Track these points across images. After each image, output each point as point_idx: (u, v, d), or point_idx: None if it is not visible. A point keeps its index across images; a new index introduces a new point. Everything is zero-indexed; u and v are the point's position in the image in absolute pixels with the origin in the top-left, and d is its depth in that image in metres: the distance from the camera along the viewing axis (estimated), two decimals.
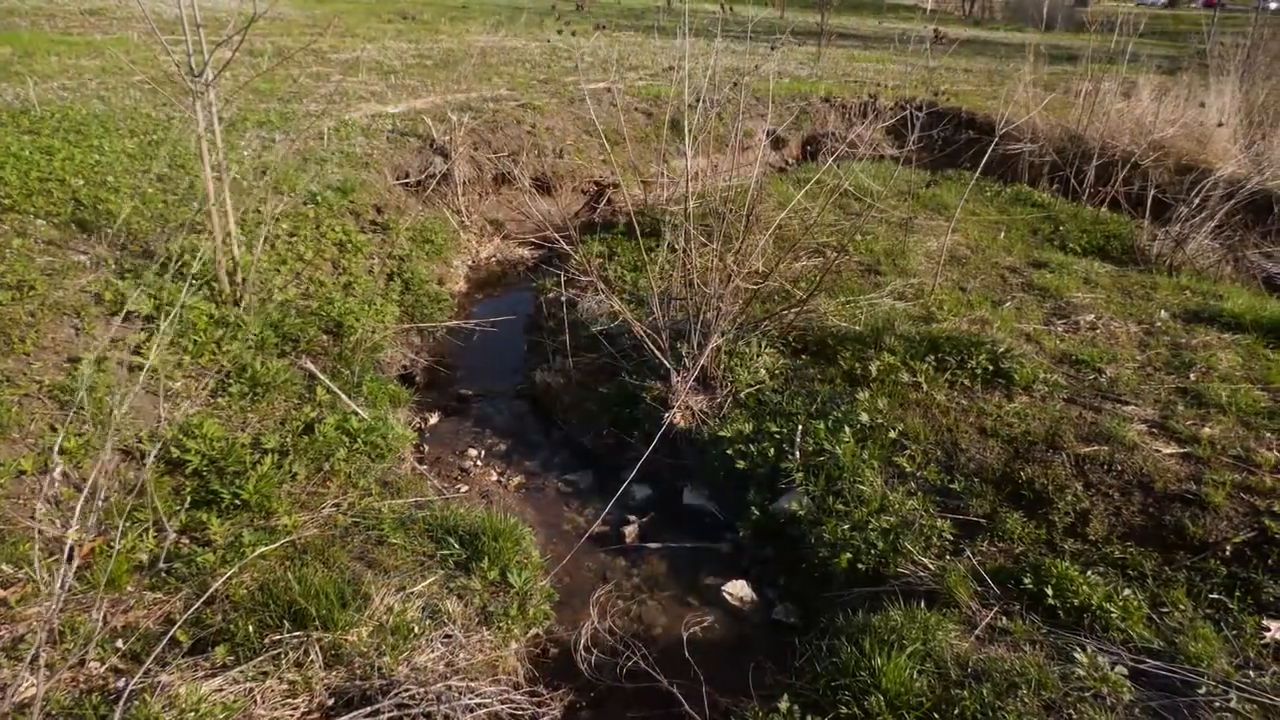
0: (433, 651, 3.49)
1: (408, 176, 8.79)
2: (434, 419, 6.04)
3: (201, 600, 3.33)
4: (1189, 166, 9.95)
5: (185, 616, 3.26)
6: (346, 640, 3.33)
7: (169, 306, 5.09)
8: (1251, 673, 3.37)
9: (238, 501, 4.04)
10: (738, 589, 4.57)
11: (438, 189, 8.96)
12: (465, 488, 5.23)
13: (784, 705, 3.29)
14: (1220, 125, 10.57)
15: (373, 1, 24.13)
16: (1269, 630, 3.61)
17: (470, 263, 8.79)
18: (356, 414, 4.92)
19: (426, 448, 5.67)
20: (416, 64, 13.62)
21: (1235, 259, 8.32)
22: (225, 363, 5.01)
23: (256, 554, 3.65)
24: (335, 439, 4.65)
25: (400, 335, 6.49)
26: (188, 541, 3.85)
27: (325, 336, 5.75)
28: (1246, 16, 20.94)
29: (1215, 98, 11.05)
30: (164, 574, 3.60)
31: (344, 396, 5.04)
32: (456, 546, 4.10)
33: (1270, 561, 3.91)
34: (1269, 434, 4.76)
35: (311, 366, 5.23)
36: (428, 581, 3.83)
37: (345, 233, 7.02)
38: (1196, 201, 8.20)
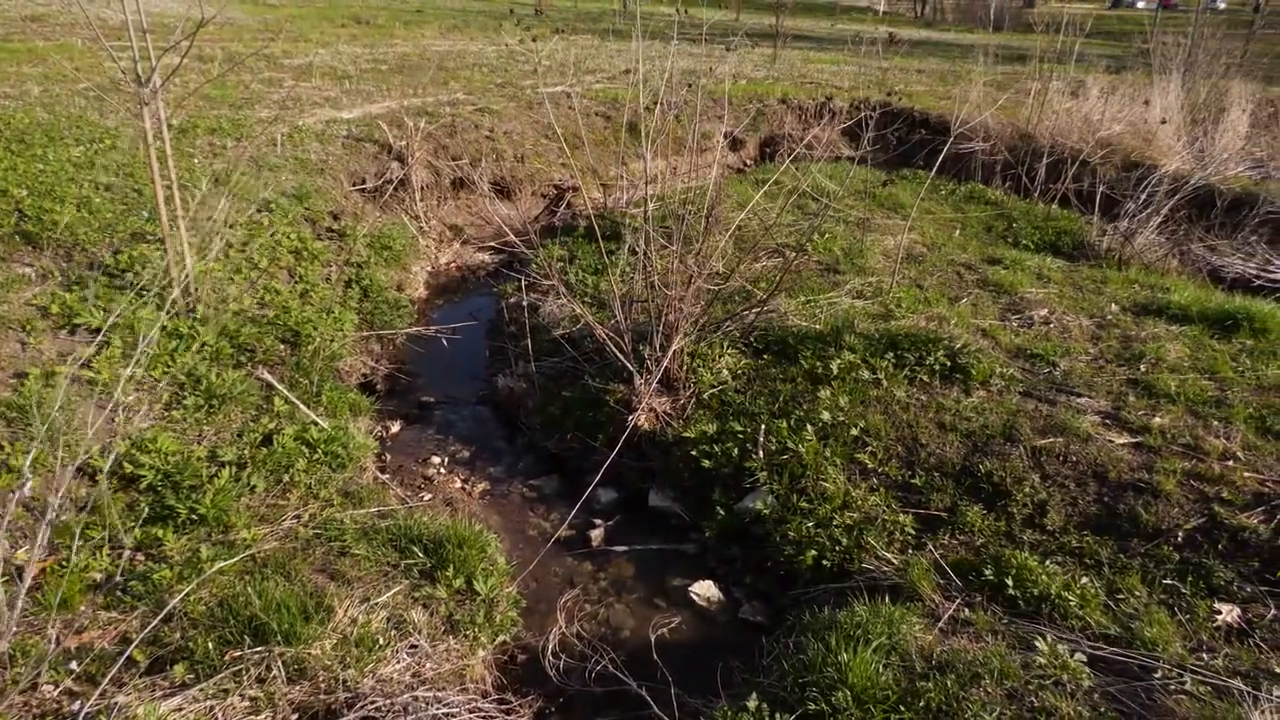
0: (398, 662, 3.45)
1: (364, 182, 8.69)
2: (396, 427, 5.97)
3: (159, 618, 3.25)
4: (1135, 163, 10.21)
5: (142, 635, 3.19)
6: (310, 654, 3.28)
7: (119, 319, 4.98)
8: (1204, 655, 3.46)
9: (195, 516, 3.96)
10: (705, 589, 4.58)
11: (395, 195, 8.87)
12: (429, 496, 5.17)
13: (752, 704, 3.30)
14: (1164, 122, 10.86)
15: (325, 6, 23.84)
16: (1220, 613, 3.71)
17: (430, 268, 8.72)
18: (316, 424, 4.85)
19: (389, 456, 5.61)
20: (371, 69, 13.49)
21: (1181, 253, 8.54)
22: (179, 375, 4.91)
23: (215, 569, 3.57)
24: (294, 450, 4.58)
25: (360, 343, 6.42)
26: (143, 558, 3.77)
27: (282, 346, 5.66)
28: (1188, 16, 21.54)
29: (1159, 96, 11.35)
30: (119, 592, 3.52)
31: (302, 406, 4.97)
32: (421, 555, 4.05)
33: (1220, 547, 4.02)
34: (1216, 422, 4.89)
35: (269, 377, 5.15)
36: (392, 592, 3.79)
37: (301, 240, 6.92)
38: (1143, 197, 8.41)
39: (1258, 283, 7.55)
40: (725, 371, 5.64)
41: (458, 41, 18.38)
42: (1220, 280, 8.06)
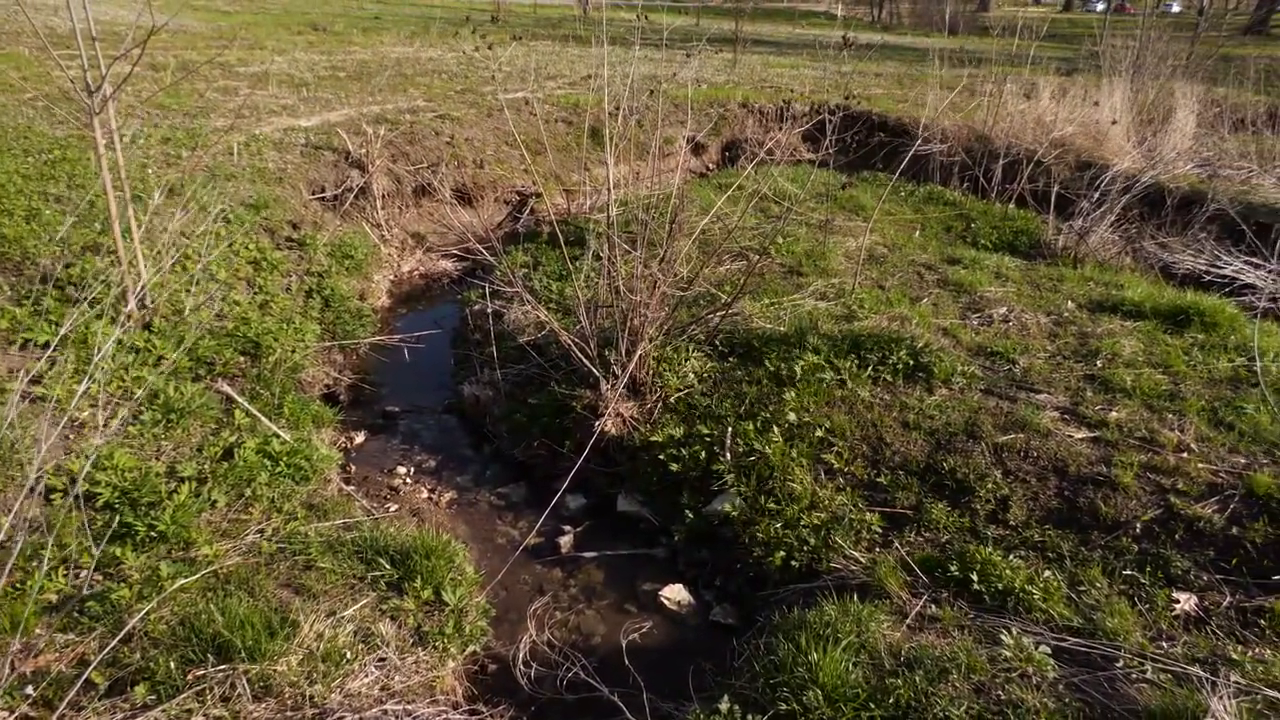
0: (366, 676, 3.40)
1: (324, 191, 8.59)
2: (360, 438, 5.90)
3: (118, 639, 3.18)
4: (1088, 163, 10.43)
5: (101, 657, 3.11)
6: (275, 670, 3.23)
7: (72, 334, 4.87)
8: (1164, 643, 3.54)
9: (154, 533, 3.87)
10: (675, 593, 4.58)
11: (356, 203, 8.78)
12: (395, 507, 5.12)
13: (724, 706, 3.31)
14: (1114, 123, 11.11)
15: (281, 13, 23.56)
16: (1179, 602, 3.80)
17: (392, 277, 8.64)
18: (278, 436, 4.77)
19: (353, 468, 5.54)
20: (329, 76, 13.34)
21: (1134, 250, 8.74)
22: (136, 390, 4.81)
23: (176, 587, 3.50)
24: (256, 463, 4.51)
25: (322, 353, 6.34)
26: (101, 578, 3.68)
27: (242, 358, 5.57)
28: (1136, 20, 22.06)
29: (1109, 97, 11.61)
30: (76, 614, 3.43)
31: (264, 419, 4.89)
32: (388, 567, 4.01)
33: (1177, 537, 4.11)
34: (1171, 415, 5.01)
35: (228, 389, 5.06)
36: (359, 605, 3.74)
37: (260, 250, 6.82)
38: (1096, 196, 8.60)
39: (1207, 278, 7.74)
40: (691, 375, 5.66)
41: (417, 48, 18.26)
42: (1172, 276, 8.25)
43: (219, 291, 6.09)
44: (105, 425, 4.48)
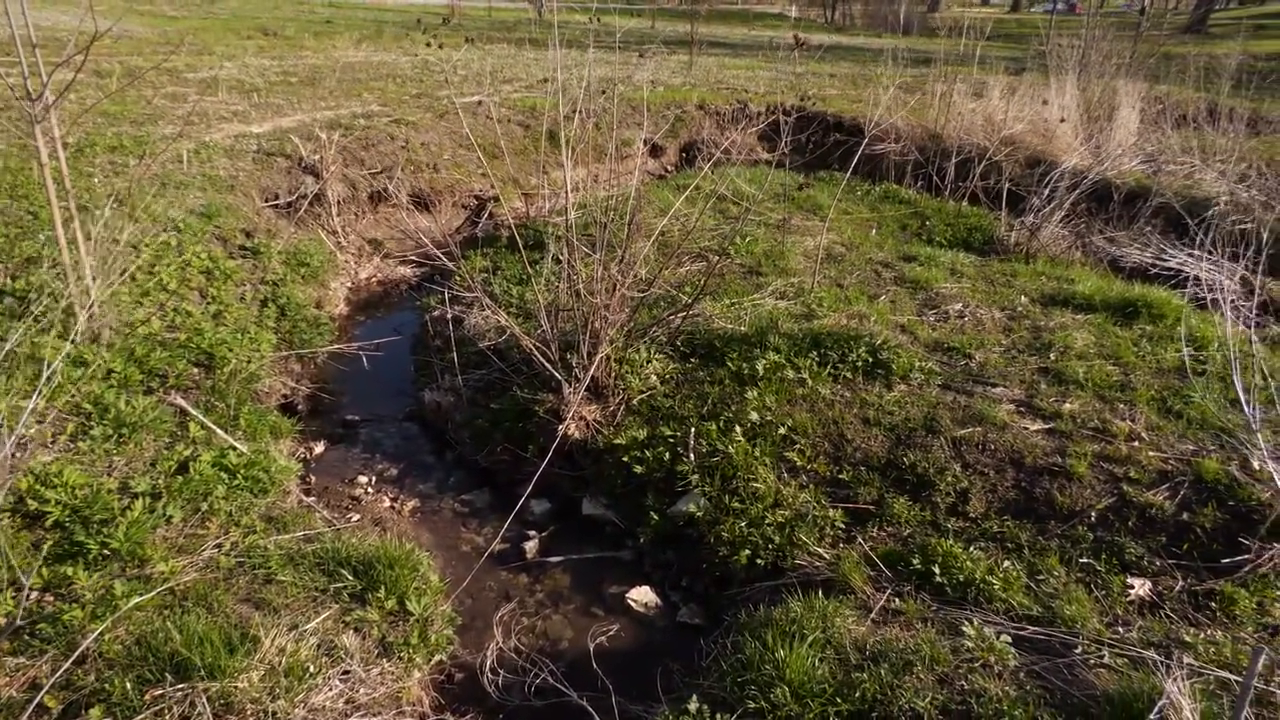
0: (330, 690, 3.35)
1: (277, 198, 8.46)
2: (320, 448, 5.82)
3: (71, 660, 3.10)
4: (1037, 160, 10.64)
5: (53, 680, 3.03)
6: (236, 687, 3.16)
7: (17, 348, 4.73)
8: (1120, 629, 3.62)
9: (107, 551, 3.77)
10: (642, 595, 4.59)
11: (310, 210, 8.66)
12: (357, 517, 5.05)
13: (693, 706, 3.32)
14: (1062, 121, 11.35)
15: (230, 18, 23.16)
16: (1134, 588, 3.89)
17: (350, 284, 8.53)
18: (235, 449, 4.69)
19: (313, 478, 5.46)
20: (281, 81, 13.15)
21: (1083, 244, 8.94)
22: (85, 404, 4.69)
23: (131, 605, 3.42)
24: (213, 476, 4.42)
25: (278, 363, 6.23)
26: (52, 599, 3.57)
27: (196, 369, 5.46)
28: (1081, 20, 22.56)
29: (1056, 95, 11.87)
30: (26, 636, 3.33)
31: (219, 431, 4.80)
32: (350, 578, 3.96)
33: (1130, 524, 4.21)
34: (1122, 405, 5.13)
35: (182, 402, 4.96)
36: (322, 617, 3.68)
37: (212, 260, 6.69)
38: (1046, 192, 8.78)
39: (1154, 271, 7.94)
40: (653, 377, 5.67)
41: (370, 52, 18.06)
42: (1120, 269, 8.45)
43: (171, 302, 5.96)
44: (52, 441, 4.37)
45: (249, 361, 5.70)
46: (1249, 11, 47.32)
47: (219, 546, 4.05)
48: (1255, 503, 4.20)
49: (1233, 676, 3.15)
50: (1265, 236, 7.42)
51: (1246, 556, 3.92)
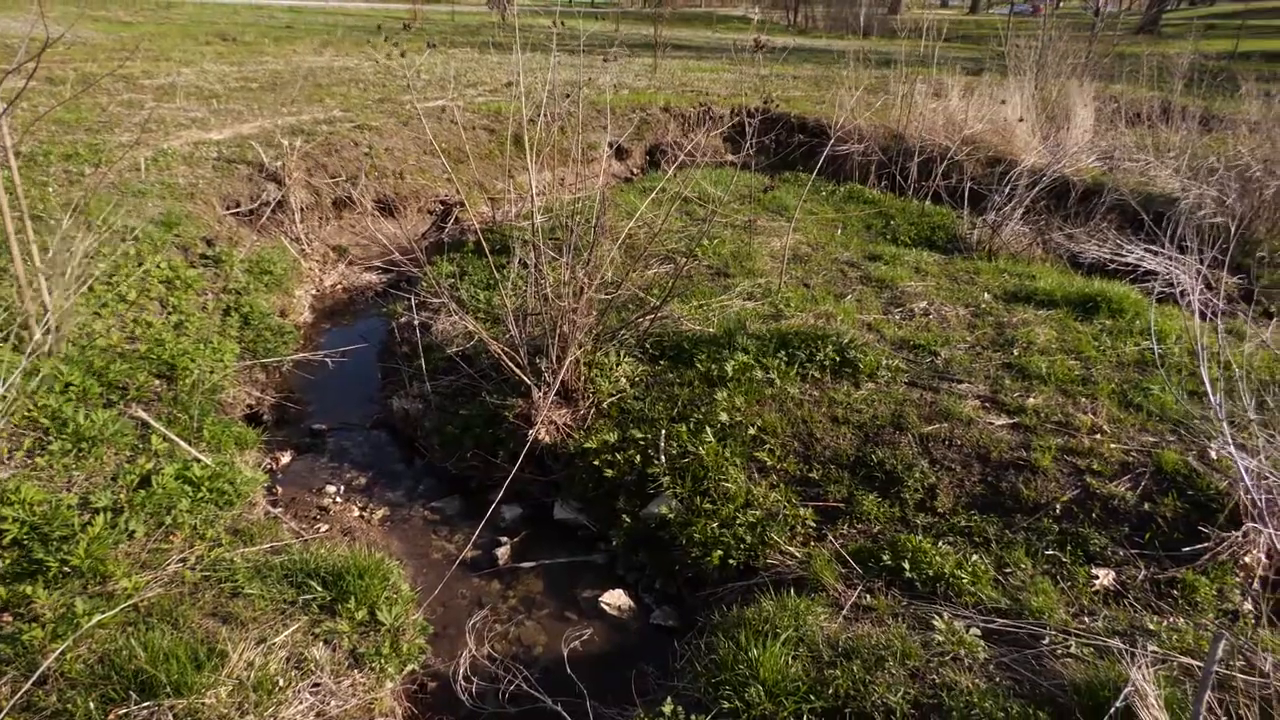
0: (301, 703, 3.31)
1: (239, 206, 8.35)
2: (286, 458, 5.74)
3: (31, 681, 3.03)
4: (998, 159, 10.81)
5: (13, 702, 2.96)
6: (204, 704, 3.11)
7: None
8: (1086, 619, 3.68)
9: (67, 569, 3.69)
10: (615, 598, 4.58)
11: (273, 217, 8.55)
12: (325, 527, 4.99)
13: (668, 708, 3.32)
14: (1021, 120, 11.54)
15: (187, 23, 22.81)
16: (1098, 578, 3.96)
17: (315, 292, 8.43)
18: (198, 461, 4.61)
19: (280, 489, 5.38)
20: (240, 87, 12.97)
21: (1044, 241, 9.08)
22: (42, 419, 4.59)
23: (93, 623, 3.35)
24: (176, 490, 4.34)
25: (242, 373, 6.14)
26: (10, 619, 3.49)
27: (158, 381, 5.37)
28: (1038, 20, 22.94)
29: (1014, 95, 12.05)
30: None
31: (182, 443, 4.71)
32: (320, 589, 3.90)
33: (1094, 515, 4.29)
34: (1084, 399, 5.22)
35: (143, 414, 4.87)
36: (290, 630, 3.63)
37: (173, 269, 6.58)
38: (1006, 191, 8.91)
39: (1112, 266, 8.09)
40: (623, 379, 5.67)
41: (332, 57, 17.89)
42: (1079, 265, 8.60)
43: (130, 313, 5.85)
44: (9, 457, 4.27)
45: (212, 372, 5.62)
46: (1199, 12, 48.47)
47: (184, 561, 3.98)
48: (1213, 492, 4.29)
49: (1195, 662, 3.22)
50: (1234, 229, 7.62)
51: (1206, 545, 4.01)
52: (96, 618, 3.37)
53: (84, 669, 3.21)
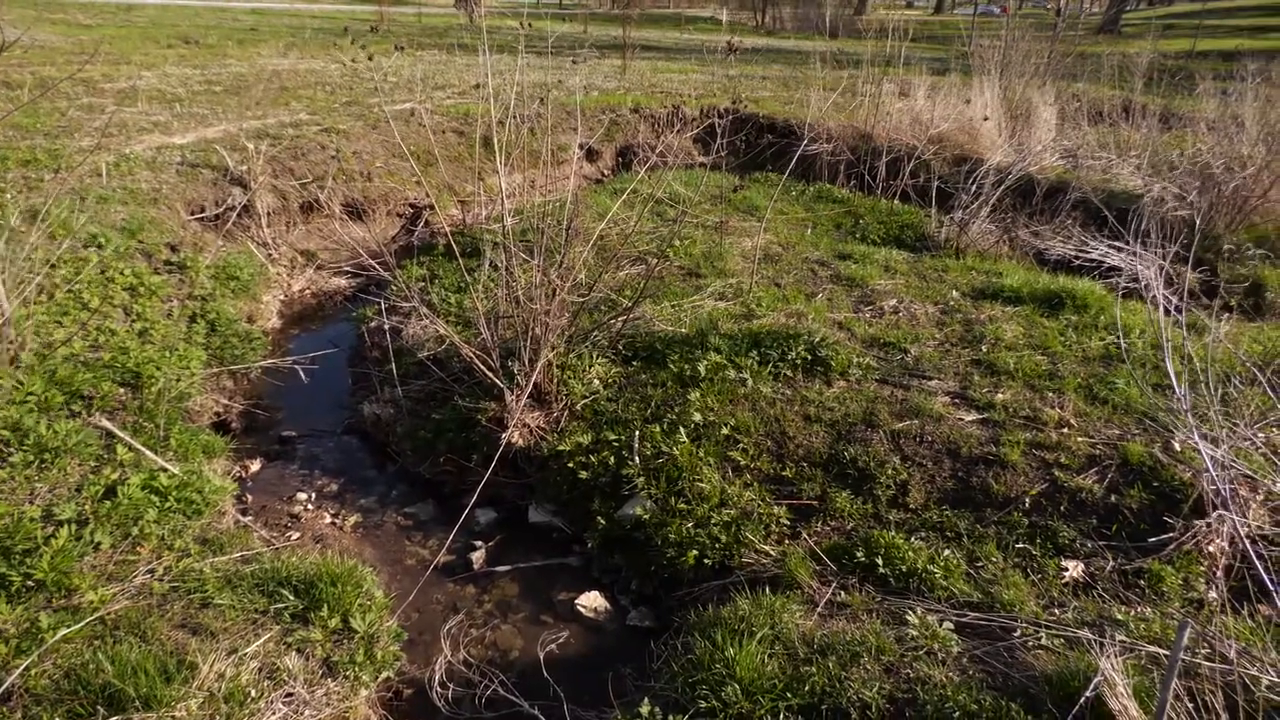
0: (273, 714, 3.27)
1: (204, 211, 8.23)
2: (256, 466, 5.67)
3: None
4: (964, 158, 10.94)
5: None
6: (174, 717, 3.06)
7: None
8: (1056, 610, 3.73)
9: (30, 583, 3.61)
10: (591, 600, 4.57)
11: (239, 222, 8.44)
12: (297, 535, 4.94)
13: (645, 709, 3.32)
14: (986, 119, 11.68)
15: (148, 25, 22.45)
16: (1068, 570, 4.02)
17: (283, 297, 8.33)
18: (165, 470, 4.53)
19: (250, 497, 5.31)
20: (204, 91, 12.79)
21: (1010, 239, 9.20)
22: (3, 430, 4.49)
23: (58, 638, 3.28)
24: (143, 500, 4.27)
25: (210, 380, 6.06)
26: None
27: (122, 389, 5.27)
28: (1002, 21, 23.27)
29: (979, 95, 12.21)
30: None
31: (148, 453, 4.64)
32: (291, 598, 3.86)
33: (1062, 508, 4.35)
34: (1051, 394, 5.29)
35: (108, 424, 4.78)
36: (262, 640, 3.58)
37: (136, 276, 6.48)
38: (973, 189, 9.02)
39: (1077, 262, 8.21)
40: (596, 381, 5.66)
41: (297, 60, 17.69)
42: (1045, 262, 8.73)
43: (93, 321, 5.75)
44: None
45: (178, 380, 5.53)
46: (1158, 12, 49.42)
47: (151, 572, 3.92)
48: (1178, 483, 4.37)
49: (1162, 651, 3.28)
50: (1195, 224, 7.76)
51: (1171, 535, 4.08)
52: (62, 632, 3.31)
53: (50, 684, 3.14)
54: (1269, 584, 3.11)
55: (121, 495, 4.24)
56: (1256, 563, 2.94)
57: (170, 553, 4.07)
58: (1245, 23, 36.92)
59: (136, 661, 3.19)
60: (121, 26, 21.92)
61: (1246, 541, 3.28)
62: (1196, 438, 3.88)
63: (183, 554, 4.08)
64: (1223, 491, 3.87)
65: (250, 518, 4.96)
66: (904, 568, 4.00)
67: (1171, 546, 4.04)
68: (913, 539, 4.23)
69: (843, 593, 3.94)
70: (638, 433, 5.06)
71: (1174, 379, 4.02)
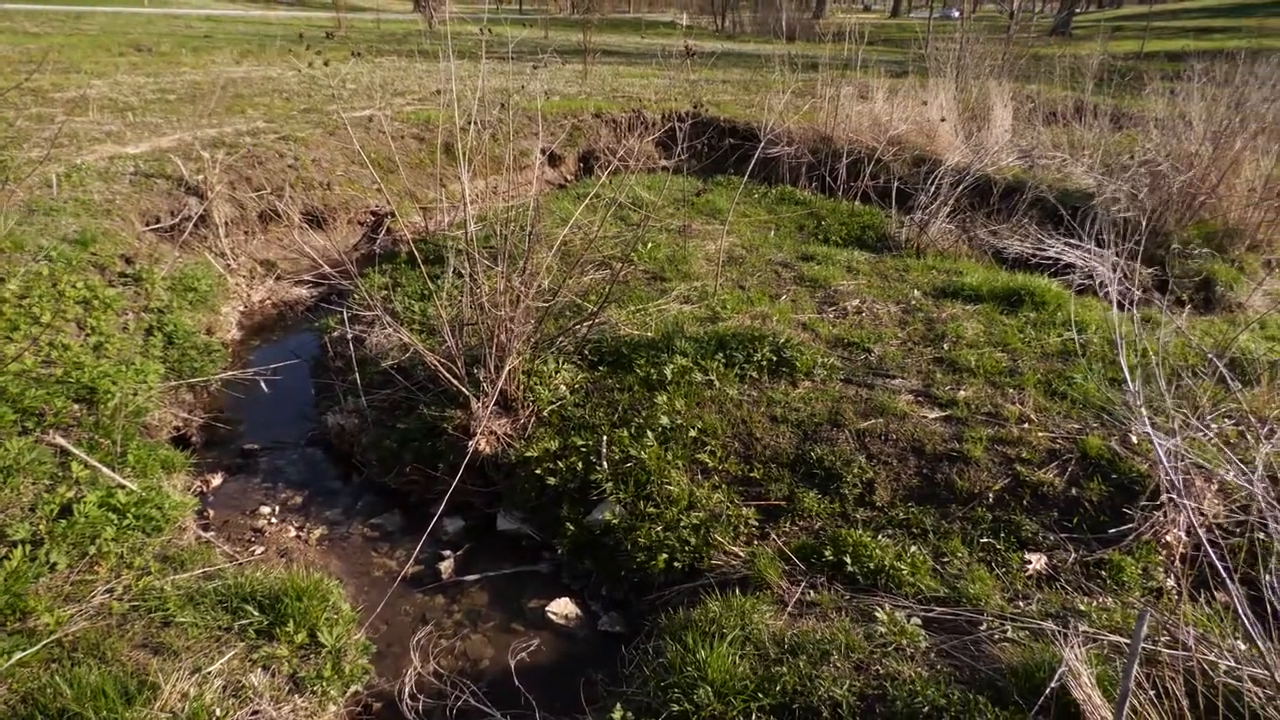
0: None
1: (159, 222, 8.07)
2: (217, 480, 5.57)
3: None
4: (923, 158, 11.08)
5: None
6: None
7: None
8: (1021, 603, 3.79)
9: None
10: (562, 607, 4.55)
11: (196, 232, 8.29)
12: (260, 549, 4.85)
13: (617, 714, 3.31)
14: (943, 120, 11.85)
15: (98, 33, 21.99)
16: (1031, 563, 4.08)
17: (242, 308, 8.20)
18: (123, 487, 4.44)
19: (212, 513, 5.22)
20: (157, 99, 12.56)
21: (969, 238, 9.34)
22: None
23: (13, 662, 3.20)
24: (100, 518, 4.17)
25: (168, 394, 5.94)
26: None
27: (77, 405, 5.15)
28: (956, 23, 23.64)
29: (936, 96, 12.38)
30: None
31: (105, 469, 4.54)
32: (256, 614, 3.80)
33: (1025, 502, 4.42)
34: (1012, 390, 5.38)
35: (62, 441, 4.67)
36: (226, 657, 3.52)
37: (90, 289, 6.33)
38: (932, 189, 9.14)
39: (1034, 260, 8.36)
40: (563, 387, 5.65)
41: (253, 67, 17.45)
42: (1004, 260, 8.87)
43: (45, 335, 5.61)
44: None
45: (135, 394, 5.42)
46: (1108, 14, 50.57)
47: (110, 591, 3.83)
48: (1135, 474, 4.46)
49: (1123, 640, 3.34)
50: (1146, 222, 7.94)
51: (1130, 525, 4.17)
52: (17, 656, 3.22)
53: (5, 710, 3.06)
54: (1217, 572, 3.19)
55: (78, 514, 4.14)
56: (1209, 550, 3.01)
57: (130, 571, 3.98)
58: (1190, 24, 37.90)
59: (96, 684, 3.12)
60: (71, 35, 21.46)
61: (1201, 531, 3.36)
62: (1150, 430, 3.96)
63: (142, 572, 4.00)
64: (1177, 483, 3.95)
65: (212, 533, 4.87)
66: (872, 565, 4.03)
67: (1131, 537, 4.13)
68: (880, 536, 4.27)
69: (812, 592, 3.96)
70: (605, 437, 5.06)
71: (1126, 374, 4.10)
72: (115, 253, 7.04)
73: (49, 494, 4.30)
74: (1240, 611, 2.79)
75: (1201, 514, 4.11)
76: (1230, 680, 2.86)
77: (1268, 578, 2.98)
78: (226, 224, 8.66)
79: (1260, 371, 5.38)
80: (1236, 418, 4.83)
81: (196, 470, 5.52)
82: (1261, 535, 3.88)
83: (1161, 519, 4.15)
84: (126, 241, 7.32)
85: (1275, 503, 3.20)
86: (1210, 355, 4.99)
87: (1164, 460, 3.87)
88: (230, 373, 6.41)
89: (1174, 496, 4.07)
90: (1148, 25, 32.31)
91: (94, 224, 7.26)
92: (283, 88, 14.70)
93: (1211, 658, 2.94)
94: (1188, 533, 4.11)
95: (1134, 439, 4.69)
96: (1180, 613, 3.49)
